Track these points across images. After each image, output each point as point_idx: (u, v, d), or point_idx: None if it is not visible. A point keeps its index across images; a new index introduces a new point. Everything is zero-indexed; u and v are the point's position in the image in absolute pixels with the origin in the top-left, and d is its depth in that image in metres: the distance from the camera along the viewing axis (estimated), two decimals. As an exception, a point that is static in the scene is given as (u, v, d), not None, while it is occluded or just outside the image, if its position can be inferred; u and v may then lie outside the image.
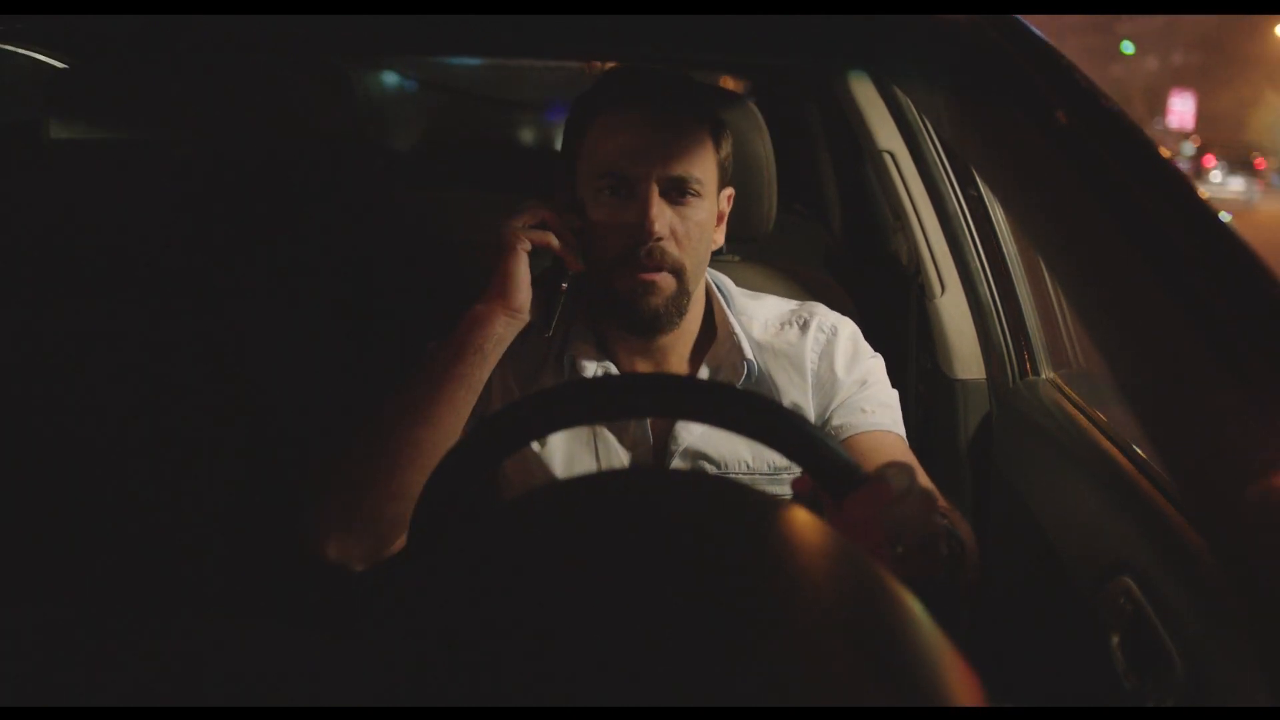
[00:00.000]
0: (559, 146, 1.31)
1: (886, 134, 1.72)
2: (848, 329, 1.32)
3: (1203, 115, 32.24)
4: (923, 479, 1.06)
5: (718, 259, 1.55)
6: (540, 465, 1.22)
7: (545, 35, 1.26)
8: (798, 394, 1.27)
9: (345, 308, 1.55)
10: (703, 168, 1.18)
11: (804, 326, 1.31)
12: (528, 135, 2.97)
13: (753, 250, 1.60)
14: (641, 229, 1.14)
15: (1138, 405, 0.69)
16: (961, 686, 0.47)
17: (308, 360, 1.49)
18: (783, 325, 1.32)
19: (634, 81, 1.20)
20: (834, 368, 1.28)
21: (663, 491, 0.59)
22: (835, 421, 1.26)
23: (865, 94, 1.74)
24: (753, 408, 0.83)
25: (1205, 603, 0.96)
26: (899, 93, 1.68)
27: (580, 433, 1.23)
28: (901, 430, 1.27)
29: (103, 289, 1.42)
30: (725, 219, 1.28)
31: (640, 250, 1.15)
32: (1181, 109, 31.60)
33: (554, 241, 1.16)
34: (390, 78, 2.72)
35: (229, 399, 1.42)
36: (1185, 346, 0.65)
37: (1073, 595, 1.20)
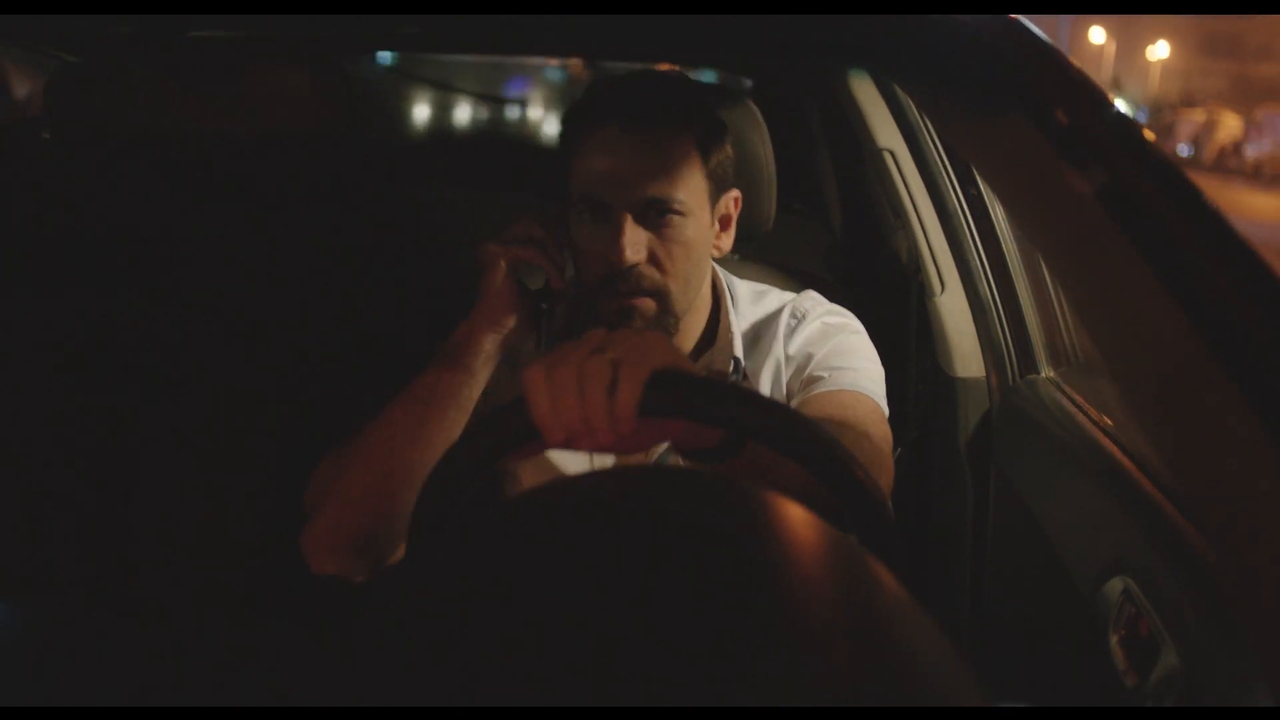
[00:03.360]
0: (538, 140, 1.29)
1: (886, 133, 1.72)
2: (820, 309, 1.29)
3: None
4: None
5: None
6: (537, 458, 1.23)
7: (545, 34, 1.25)
8: (769, 385, 1.26)
9: (346, 305, 1.55)
10: (685, 185, 1.15)
11: (779, 314, 1.29)
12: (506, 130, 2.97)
13: (752, 250, 1.60)
14: (615, 256, 1.12)
15: (1138, 404, 0.69)
16: (961, 685, 0.47)
17: (308, 357, 1.48)
18: (767, 318, 1.31)
19: (613, 96, 1.17)
20: (804, 347, 1.25)
21: (658, 489, 0.59)
22: (796, 398, 1.22)
23: (865, 93, 1.73)
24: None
25: (1205, 602, 0.96)
26: (899, 92, 1.68)
27: None
28: (870, 388, 1.21)
29: (102, 287, 1.42)
30: (733, 222, 1.25)
31: (617, 276, 1.14)
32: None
33: (537, 258, 1.14)
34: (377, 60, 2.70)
35: (229, 397, 1.42)
36: (1185, 346, 0.65)
37: (1072, 594, 1.20)
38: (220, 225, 1.54)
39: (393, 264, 1.62)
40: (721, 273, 1.33)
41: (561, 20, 1.01)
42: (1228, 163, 23.77)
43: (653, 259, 1.14)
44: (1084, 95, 0.81)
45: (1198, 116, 27.73)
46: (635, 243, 1.12)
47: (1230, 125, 25.48)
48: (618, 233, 1.12)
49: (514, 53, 2.45)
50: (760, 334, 1.29)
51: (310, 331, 1.50)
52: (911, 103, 1.68)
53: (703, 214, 1.18)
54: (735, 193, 1.25)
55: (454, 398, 1.12)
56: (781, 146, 1.52)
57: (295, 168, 1.70)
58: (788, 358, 1.26)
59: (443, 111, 3.06)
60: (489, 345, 1.14)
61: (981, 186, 1.64)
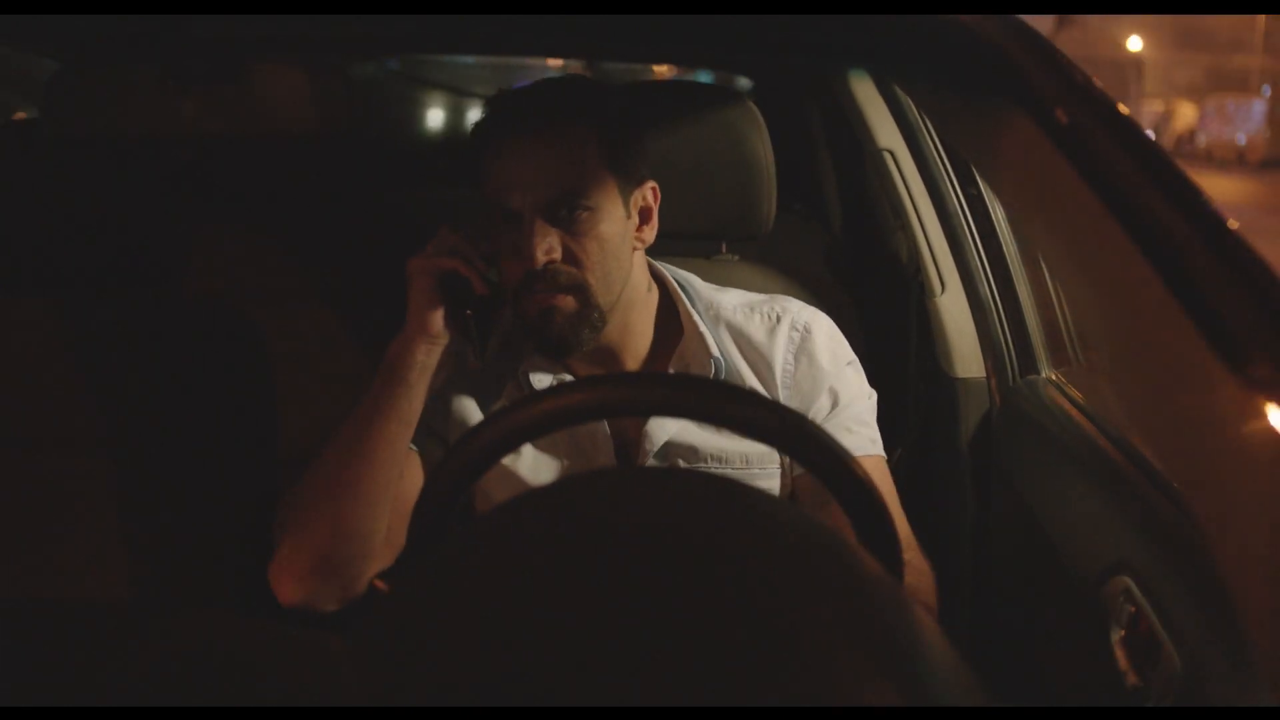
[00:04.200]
0: None
1: (886, 133, 1.72)
2: (822, 326, 1.30)
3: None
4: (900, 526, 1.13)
5: (716, 259, 1.55)
6: (506, 472, 1.23)
7: (545, 34, 1.25)
8: (764, 389, 1.26)
9: (345, 305, 1.55)
10: (589, 180, 1.16)
11: (775, 321, 1.29)
12: None
13: (752, 250, 1.60)
14: (526, 257, 1.14)
15: (1138, 404, 0.69)
16: (961, 684, 0.47)
17: (306, 358, 1.48)
18: (752, 311, 1.30)
19: (512, 104, 1.19)
20: (813, 372, 1.26)
21: (655, 490, 0.59)
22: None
23: (865, 93, 1.73)
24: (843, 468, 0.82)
25: (1205, 602, 0.96)
26: (899, 92, 1.68)
27: (550, 436, 1.24)
28: (879, 448, 1.28)
29: (101, 287, 1.42)
30: (654, 214, 1.26)
31: (532, 276, 1.15)
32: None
33: (460, 267, 1.16)
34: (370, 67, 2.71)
35: (227, 397, 1.42)
36: (1185, 346, 0.65)
37: (1073, 594, 1.20)
38: (219, 225, 1.54)
39: (391, 265, 1.62)
40: (668, 269, 1.33)
41: (562, 20, 1.01)
42: (1183, 149, 26.41)
43: (568, 256, 1.16)
44: (1084, 95, 0.81)
45: (1157, 107, 30.35)
46: (546, 242, 1.14)
47: (1186, 114, 28.05)
48: (529, 235, 1.14)
49: (514, 53, 2.45)
50: (743, 335, 1.29)
51: (309, 332, 1.50)
52: (911, 103, 1.68)
53: (614, 208, 1.19)
54: (651, 184, 1.25)
55: (394, 412, 1.15)
56: (781, 147, 1.52)
57: (294, 168, 1.70)
58: (790, 375, 1.27)
59: (455, 114, 3.07)
60: (423, 357, 1.16)
61: (981, 186, 1.63)
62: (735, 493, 0.59)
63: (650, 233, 1.26)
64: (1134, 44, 28.68)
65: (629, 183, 1.21)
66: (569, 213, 1.15)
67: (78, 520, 1.34)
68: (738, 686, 0.42)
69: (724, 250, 1.57)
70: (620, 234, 1.20)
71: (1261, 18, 24.48)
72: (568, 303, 1.16)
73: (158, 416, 1.38)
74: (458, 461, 0.84)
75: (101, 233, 1.46)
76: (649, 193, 1.25)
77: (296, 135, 1.43)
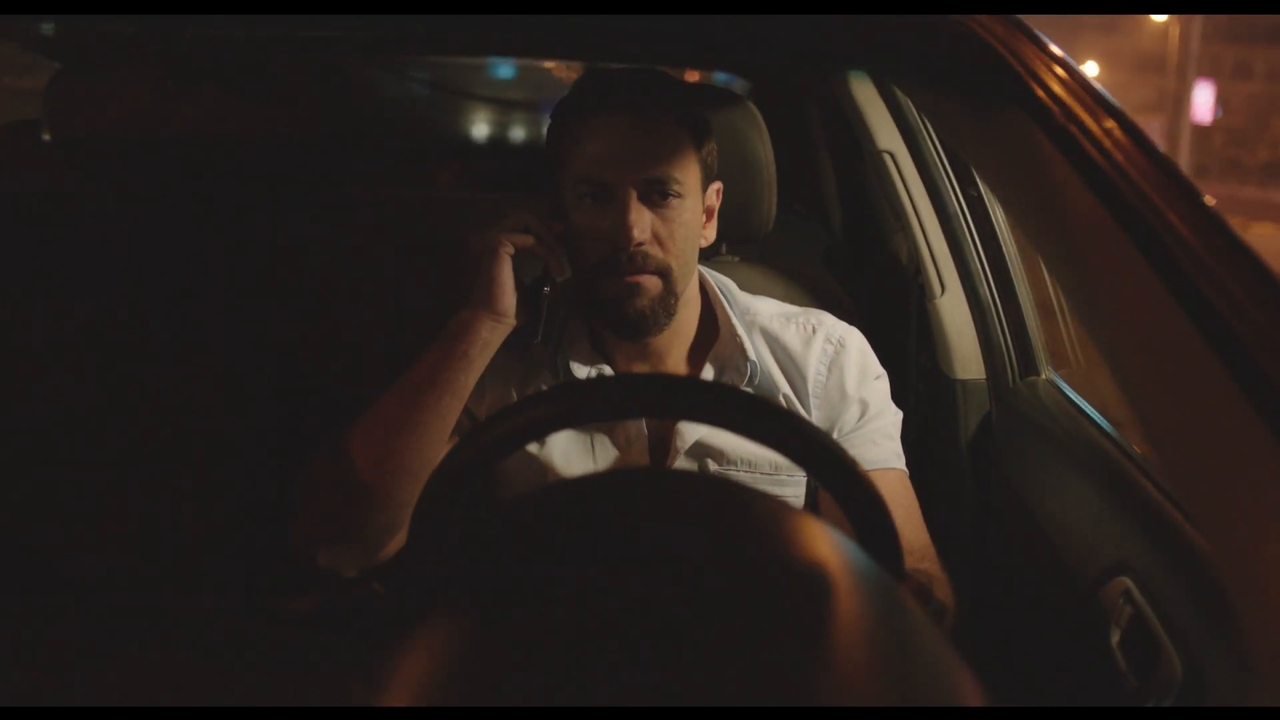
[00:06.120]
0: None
1: (886, 134, 1.72)
2: (855, 341, 1.31)
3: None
4: (916, 533, 1.20)
5: (716, 259, 1.55)
6: (537, 463, 1.23)
7: (545, 35, 1.25)
8: (795, 397, 1.27)
9: (340, 306, 1.55)
10: (682, 167, 1.17)
11: (811, 332, 1.30)
12: (523, 135, 3.00)
13: (752, 251, 1.60)
14: (622, 234, 1.13)
15: (1138, 404, 0.69)
16: (962, 685, 0.47)
17: (304, 358, 1.49)
18: (788, 321, 1.31)
19: (609, 85, 1.19)
20: (843, 383, 1.27)
21: (664, 491, 0.59)
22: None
23: (865, 94, 1.73)
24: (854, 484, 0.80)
25: (1205, 603, 0.96)
26: (899, 93, 1.68)
27: (579, 430, 1.23)
28: (903, 463, 1.28)
29: (100, 288, 1.42)
30: (715, 214, 1.27)
31: (622, 255, 1.14)
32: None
33: (536, 247, 1.16)
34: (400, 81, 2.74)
35: (225, 397, 1.42)
36: (1185, 346, 0.65)
37: (1073, 595, 1.20)
38: (218, 225, 1.54)
39: (388, 264, 1.63)
40: (709, 272, 1.34)
41: (562, 21, 1.01)
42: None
43: (655, 238, 1.16)
44: (1084, 95, 0.81)
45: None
46: (641, 221, 1.14)
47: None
48: (624, 211, 1.13)
49: (513, 54, 2.46)
50: (778, 342, 1.29)
51: (307, 331, 1.50)
52: (911, 104, 1.68)
53: (696, 200, 1.20)
54: (718, 184, 1.27)
55: (450, 385, 1.13)
56: (781, 148, 1.53)
57: (294, 168, 1.70)
58: (822, 385, 1.28)
59: (456, 116, 3.09)
60: (487, 334, 1.15)
61: (981, 187, 1.64)
62: (739, 495, 0.59)
63: (711, 232, 1.27)
64: (1091, 70, 29.39)
65: (708, 179, 1.23)
66: (661, 196, 1.16)
67: (76, 521, 1.34)
68: (734, 685, 0.42)
69: (724, 251, 1.57)
70: (698, 225, 1.21)
71: (1174, 42, 24.87)
72: (654, 284, 1.16)
73: (158, 415, 1.38)
74: (462, 457, 0.84)
75: (100, 233, 1.46)
76: (715, 193, 1.26)
77: (297, 135, 1.43)
